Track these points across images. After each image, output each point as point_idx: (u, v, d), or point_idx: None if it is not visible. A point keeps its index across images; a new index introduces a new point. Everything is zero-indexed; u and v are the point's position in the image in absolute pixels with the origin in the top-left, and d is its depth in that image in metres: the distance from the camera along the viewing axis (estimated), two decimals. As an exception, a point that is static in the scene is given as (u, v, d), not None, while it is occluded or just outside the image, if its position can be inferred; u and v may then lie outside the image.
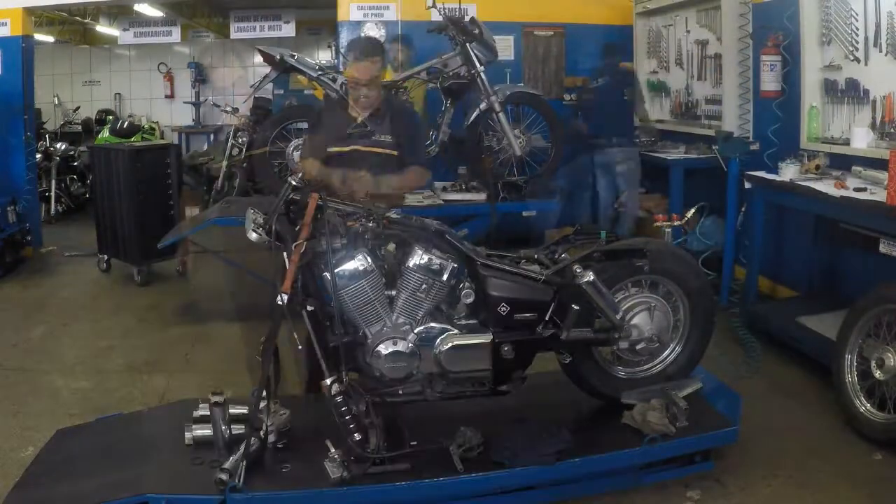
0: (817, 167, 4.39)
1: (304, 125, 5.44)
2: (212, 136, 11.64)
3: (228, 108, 9.09)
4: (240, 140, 9.01)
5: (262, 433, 2.82)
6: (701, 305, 3.32)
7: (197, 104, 11.91)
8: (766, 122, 5.13)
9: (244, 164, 8.79)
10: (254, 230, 2.78)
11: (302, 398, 3.34)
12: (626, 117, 6.32)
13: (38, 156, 8.21)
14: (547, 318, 3.02)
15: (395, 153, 3.52)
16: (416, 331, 2.89)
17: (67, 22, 10.85)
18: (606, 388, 3.24)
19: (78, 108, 11.47)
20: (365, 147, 3.47)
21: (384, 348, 2.84)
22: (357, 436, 2.71)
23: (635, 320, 3.15)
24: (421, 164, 3.64)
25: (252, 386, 2.94)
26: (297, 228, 2.78)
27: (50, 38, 11.17)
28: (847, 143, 4.48)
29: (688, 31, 6.34)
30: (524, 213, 5.69)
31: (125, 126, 9.76)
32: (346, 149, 3.49)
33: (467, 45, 5.39)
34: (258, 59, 6.13)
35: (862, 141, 4.35)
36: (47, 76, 11.21)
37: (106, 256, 6.46)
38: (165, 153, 6.37)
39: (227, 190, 8.74)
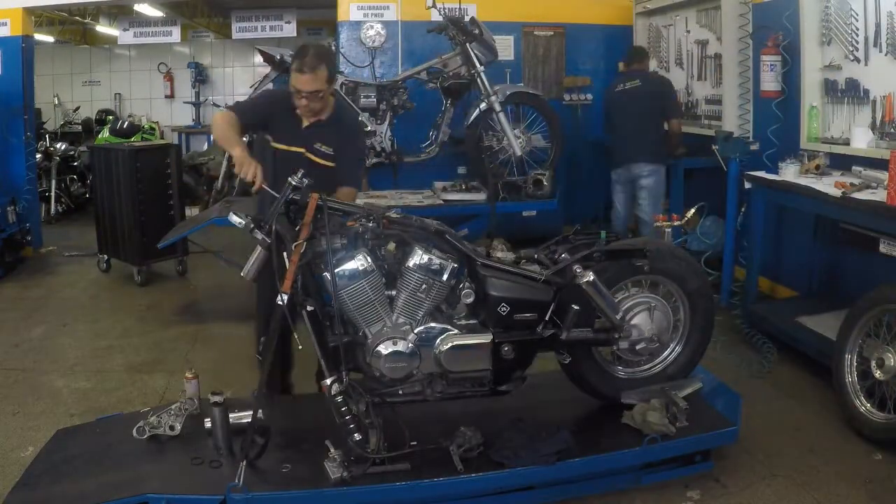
0: (817, 167, 4.40)
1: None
2: (212, 136, 11.63)
3: (228, 108, 9.08)
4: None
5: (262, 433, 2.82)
6: (701, 305, 3.31)
7: (197, 104, 11.91)
8: (766, 122, 5.13)
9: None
10: (235, 213, 2.79)
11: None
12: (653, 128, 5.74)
13: (38, 156, 8.22)
14: (547, 318, 3.02)
15: (332, 166, 3.31)
16: (416, 331, 2.89)
17: (67, 22, 10.84)
18: (606, 388, 3.24)
19: (78, 108, 11.49)
20: (309, 153, 3.28)
21: (384, 348, 2.83)
22: (357, 436, 2.71)
23: (635, 320, 3.15)
24: (352, 186, 3.37)
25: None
26: (297, 228, 2.78)
27: (50, 38, 11.17)
28: (847, 143, 4.49)
29: (688, 31, 6.34)
30: (524, 213, 5.70)
31: (125, 126, 9.78)
32: (294, 149, 3.28)
33: (467, 45, 5.41)
34: (258, 58, 6.12)
35: (862, 141, 4.35)
36: (47, 76, 11.24)
37: (106, 256, 6.46)
38: (165, 153, 6.37)
39: (227, 190, 8.75)
